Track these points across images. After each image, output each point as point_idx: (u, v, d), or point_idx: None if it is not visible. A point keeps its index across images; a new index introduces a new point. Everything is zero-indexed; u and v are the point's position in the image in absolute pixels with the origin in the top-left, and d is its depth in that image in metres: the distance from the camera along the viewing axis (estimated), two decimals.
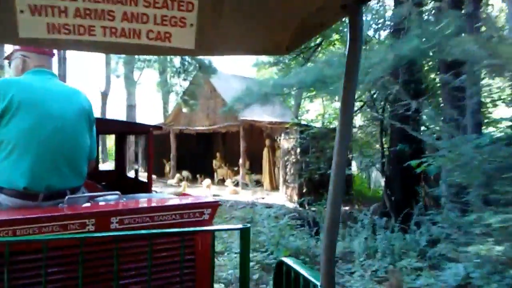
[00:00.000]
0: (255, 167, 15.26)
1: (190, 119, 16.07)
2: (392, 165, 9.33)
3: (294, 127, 12.50)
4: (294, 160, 12.21)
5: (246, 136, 14.36)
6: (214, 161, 17.44)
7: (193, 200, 2.43)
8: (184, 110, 13.47)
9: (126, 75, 21.02)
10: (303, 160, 11.81)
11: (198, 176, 16.73)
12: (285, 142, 12.66)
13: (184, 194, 12.95)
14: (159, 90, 23.28)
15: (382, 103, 9.64)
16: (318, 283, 1.49)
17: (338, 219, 1.40)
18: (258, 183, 15.10)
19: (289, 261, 1.87)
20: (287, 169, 12.45)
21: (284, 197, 12.53)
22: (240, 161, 14.55)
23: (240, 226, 2.07)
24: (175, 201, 2.38)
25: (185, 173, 17.26)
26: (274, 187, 14.13)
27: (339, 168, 1.37)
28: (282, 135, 12.80)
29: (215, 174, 17.32)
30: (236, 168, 16.57)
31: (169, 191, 12.86)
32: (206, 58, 12.79)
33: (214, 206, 2.33)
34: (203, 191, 13.53)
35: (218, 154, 17.46)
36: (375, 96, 9.64)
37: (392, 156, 9.27)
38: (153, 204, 2.45)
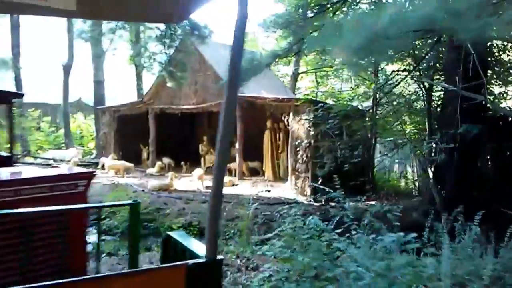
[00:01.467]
0: (251, 153, 13.33)
1: (174, 96, 13.84)
2: (446, 152, 7.58)
3: (305, 104, 10.56)
4: (307, 145, 10.33)
5: (244, 116, 12.33)
6: (200, 146, 15.31)
7: (64, 171, 3.01)
8: (169, 84, 11.31)
9: (93, 45, 18.36)
10: (320, 145, 9.95)
11: (182, 164, 14.61)
12: (295, 123, 10.74)
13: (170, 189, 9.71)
14: (132, 63, 20.72)
15: (432, 72, 7.82)
16: (203, 255, 1.64)
17: (221, 192, 1.67)
18: (256, 172, 13.19)
19: (175, 235, 2.00)
20: (298, 156, 10.56)
21: (293, 190, 10.67)
22: (237, 146, 12.54)
23: (129, 202, 2.35)
24: (43, 172, 2.85)
25: (166, 160, 15.09)
26: (278, 177, 12.24)
27: (224, 142, 1.57)
28: (291, 115, 10.86)
29: (202, 161, 15.23)
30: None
31: (154, 183, 10.74)
32: (199, 20, 10.61)
33: (88, 177, 2.76)
34: (194, 182, 11.48)
35: (205, 138, 15.34)
36: (423, 63, 7.79)
37: (446, 141, 7.51)
38: (16, 177, 2.66)
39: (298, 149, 10.55)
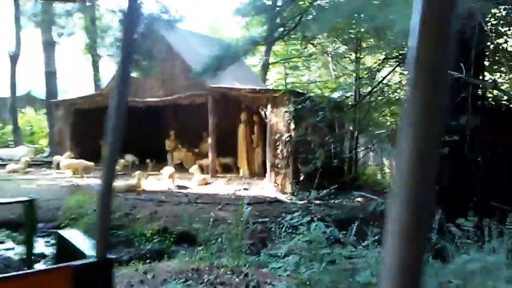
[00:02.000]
0: (223, 148, 12.57)
1: (138, 88, 12.76)
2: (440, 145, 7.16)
3: (284, 96, 9.93)
4: (287, 139, 9.72)
5: (216, 109, 11.53)
6: (167, 142, 14.37)
7: None
8: (134, 74, 10.31)
9: (44, 33, 16.79)
10: (300, 140, 9.37)
11: (148, 161, 13.59)
12: (274, 116, 10.09)
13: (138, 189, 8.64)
14: (87, 52, 19.23)
15: None
16: (94, 253, 1.58)
17: (112, 183, 1.60)
18: (228, 169, 12.44)
19: (66, 233, 1.98)
20: (278, 151, 9.93)
21: (272, 187, 10.05)
22: (209, 141, 11.74)
23: (24, 198, 2.37)
24: None
25: (129, 157, 14.02)
26: (254, 174, 11.56)
27: (116, 131, 1.52)
28: (269, 107, 10.20)
29: (170, 157, 14.29)
30: (197, 150, 13.70)
31: (119, 184, 9.76)
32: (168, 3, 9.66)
33: None
34: (164, 182, 10.58)
35: (172, 133, 14.40)
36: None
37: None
38: None
39: (277, 143, 9.93)
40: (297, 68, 20.65)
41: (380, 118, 10.27)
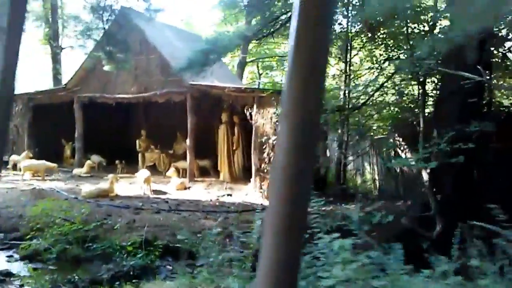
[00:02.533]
0: (200, 150, 11.87)
1: (107, 82, 11.79)
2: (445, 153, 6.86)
3: (272, 96, 9.38)
4: (274, 142, 9.17)
5: (195, 108, 10.82)
6: (138, 141, 13.43)
7: None
8: (107, 68, 9.35)
9: None
10: None
11: (117, 162, 12.63)
12: (260, 118, 9.53)
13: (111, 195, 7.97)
14: (46, 43, 17.78)
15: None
16: None
17: None
18: (206, 172, 11.74)
19: None
20: (264, 155, 9.38)
21: (257, 193, 9.49)
22: (187, 142, 11.00)
23: None
24: None
25: (96, 158, 13.00)
26: (235, 178, 10.93)
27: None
28: (254, 107, 9.62)
29: (141, 159, 13.36)
30: (171, 151, 12.87)
31: (90, 189, 8.85)
32: None
33: None
34: (139, 186, 9.74)
35: (143, 132, 13.48)
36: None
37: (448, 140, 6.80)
38: None
39: (264, 147, 9.37)
40: (271, 68, 20.21)
41: (369, 121, 9.97)
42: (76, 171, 11.68)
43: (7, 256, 6.28)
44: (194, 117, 10.77)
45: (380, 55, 9.78)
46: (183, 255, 6.10)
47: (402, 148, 9.59)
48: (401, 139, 9.63)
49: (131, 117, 14.99)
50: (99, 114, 13.34)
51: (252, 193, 9.58)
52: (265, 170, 9.38)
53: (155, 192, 9.51)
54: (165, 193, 9.59)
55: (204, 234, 5.63)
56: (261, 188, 9.47)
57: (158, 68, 10.95)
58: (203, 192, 9.92)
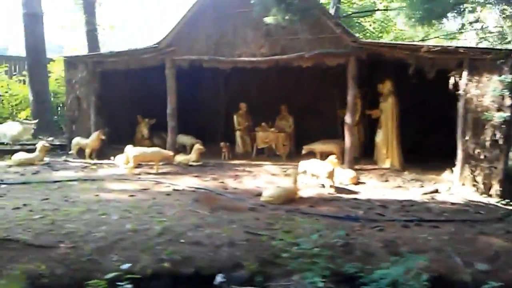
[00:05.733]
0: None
1: (219, 43, 9.08)
2: None
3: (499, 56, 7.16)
4: (502, 121, 7.09)
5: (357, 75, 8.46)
6: (236, 117, 10.99)
7: None
8: (270, 20, 6.68)
9: None
10: None
11: (222, 145, 10.18)
12: (474, 87, 7.37)
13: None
14: None
15: None
16: None
17: None
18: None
19: None
20: (483, 137, 7.29)
21: (467, 186, 7.43)
22: (347, 119, 8.67)
23: None
24: None
25: (185, 139, 10.64)
26: (401, 166, 8.78)
27: None
28: (465, 73, 7.41)
29: (240, 140, 10.99)
30: (273, 129, 10.37)
31: (271, 192, 6.53)
32: None
33: None
34: (310, 180, 7.41)
35: (242, 106, 11.03)
36: None
37: None
38: None
39: (485, 126, 7.25)
40: None
41: None
42: (180, 158, 9.12)
43: None
44: (355, 87, 8.42)
45: None
46: None
47: None
48: None
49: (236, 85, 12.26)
50: (190, 83, 10.72)
51: (457, 187, 7.51)
52: (484, 157, 7.31)
53: (338, 190, 7.23)
54: (349, 191, 7.32)
55: None
56: (474, 180, 7.41)
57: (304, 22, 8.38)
58: (384, 187, 7.73)
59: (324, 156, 8.42)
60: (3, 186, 6.80)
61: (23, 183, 7.02)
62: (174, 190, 6.92)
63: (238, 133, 11.02)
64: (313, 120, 11.41)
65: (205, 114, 12.38)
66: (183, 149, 10.51)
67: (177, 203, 6.11)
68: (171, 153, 8.52)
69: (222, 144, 10.15)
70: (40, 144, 9.02)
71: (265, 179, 8.01)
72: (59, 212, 5.35)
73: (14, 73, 14.93)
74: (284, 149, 10.17)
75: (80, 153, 9.97)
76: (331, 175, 7.04)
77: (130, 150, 8.01)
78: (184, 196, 6.53)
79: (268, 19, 6.92)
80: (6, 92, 14.21)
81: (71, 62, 10.38)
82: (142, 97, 11.57)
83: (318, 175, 7.22)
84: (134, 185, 7.20)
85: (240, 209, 5.97)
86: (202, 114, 12.33)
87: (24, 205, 5.62)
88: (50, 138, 12.47)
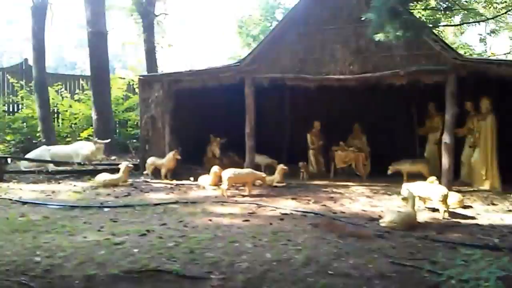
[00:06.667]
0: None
1: (303, 60, 8.91)
2: None
3: None
4: None
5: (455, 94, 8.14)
6: (309, 136, 10.75)
7: None
8: (380, 37, 6.50)
9: None
10: None
11: (301, 165, 9.91)
12: None
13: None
14: (134, 10, 14.40)
15: None
16: None
17: None
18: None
19: None
20: None
21: None
22: (446, 138, 8.32)
23: None
24: None
25: (260, 159, 10.32)
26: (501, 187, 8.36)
27: None
28: None
29: (313, 159, 10.72)
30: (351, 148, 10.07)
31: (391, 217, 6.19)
32: None
33: None
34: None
35: (316, 124, 10.77)
36: None
37: None
38: None
39: None
40: None
41: None
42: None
43: None
44: (454, 106, 8.10)
45: None
46: None
47: None
48: None
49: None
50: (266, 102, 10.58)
51: None
52: None
53: (452, 215, 6.85)
54: (463, 215, 6.94)
55: None
56: None
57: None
58: (494, 210, 7.32)
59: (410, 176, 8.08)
60: (106, 209, 6.63)
61: (126, 206, 6.84)
62: (282, 214, 6.65)
63: (311, 152, 10.75)
64: (384, 139, 11.08)
65: (269, 131, 12.15)
66: (257, 168, 10.27)
67: (298, 229, 5.83)
68: (263, 174, 8.28)
69: (300, 164, 9.89)
70: (123, 165, 8.89)
71: (364, 202, 7.69)
72: (190, 239, 5.12)
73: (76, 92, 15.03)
74: (364, 169, 9.87)
75: (155, 173, 9.84)
76: (445, 198, 6.67)
77: (225, 172, 7.79)
78: (298, 221, 6.25)
79: (379, 36, 6.69)
80: (66, 110, 14.27)
81: (146, 81, 10.33)
82: (208, 115, 11.44)
83: (430, 198, 6.86)
84: (237, 208, 6.96)
85: (365, 236, 5.67)
86: (266, 132, 12.12)
87: (148, 231, 5.41)
88: (113, 157, 12.44)
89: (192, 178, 9.44)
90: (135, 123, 14.80)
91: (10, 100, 14.22)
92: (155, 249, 4.75)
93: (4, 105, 13.79)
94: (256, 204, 7.19)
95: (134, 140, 13.98)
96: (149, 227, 5.64)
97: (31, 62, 13.21)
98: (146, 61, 14.37)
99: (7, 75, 14.76)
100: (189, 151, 10.82)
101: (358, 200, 7.82)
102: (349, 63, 8.62)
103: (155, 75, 10.96)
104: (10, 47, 33.13)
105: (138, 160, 10.71)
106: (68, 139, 13.73)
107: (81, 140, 13.05)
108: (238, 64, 9.34)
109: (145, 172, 9.96)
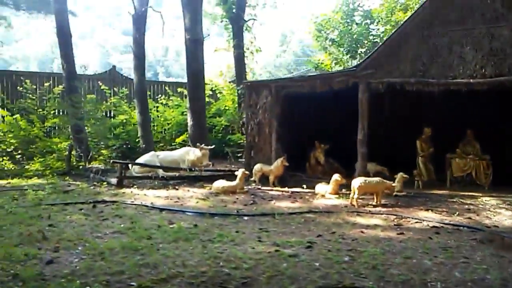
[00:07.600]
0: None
1: (425, 64, 8.51)
2: None
3: None
4: None
5: None
6: (419, 142, 10.23)
7: None
8: None
9: None
10: None
11: (415, 173, 9.46)
12: None
13: None
14: (225, 16, 14.48)
15: None
16: None
17: None
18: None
19: None
20: None
21: None
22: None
23: None
24: None
25: (371, 166, 9.94)
26: None
27: None
28: None
29: (423, 166, 10.14)
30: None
31: None
32: None
33: None
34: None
35: (426, 131, 10.24)
36: None
37: None
38: None
39: None
40: None
41: None
42: None
43: None
44: None
45: None
46: None
47: None
48: None
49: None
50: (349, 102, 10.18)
51: None
52: None
53: None
54: None
55: None
56: None
57: None
58: None
59: None
60: (245, 218, 6.55)
61: (263, 214, 6.74)
62: (432, 227, 6.27)
63: (420, 160, 10.22)
64: (501, 146, 10.37)
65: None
66: (366, 176, 9.91)
67: (465, 244, 5.44)
68: (393, 183, 7.93)
69: (415, 172, 9.45)
70: (240, 171, 8.84)
71: (508, 214, 7.14)
72: (361, 254, 4.88)
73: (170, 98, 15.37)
74: (486, 178, 9.25)
75: (262, 180, 9.74)
76: None
77: (355, 181, 7.52)
78: (457, 236, 5.86)
79: None
80: (158, 116, 14.59)
81: (253, 87, 10.28)
82: (309, 121, 11.23)
83: None
84: (377, 219, 6.67)
85: None
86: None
87: (310, 243, 5.22)
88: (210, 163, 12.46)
89: (304, 186, 9.24)
90: (222, 128, 14.90)
91: (104, 107, 14.72)
92: (335, 263, 4.54)
93: (102, 112, 14.28)
94: (395, 215, 6.86)
95: (224, 145, 14.03)
96: (305, 238, 5.46)
97: (124, 69, 13.58)
98: (235, 66, 14.43)
99: (98, 82, 15.35)
100: (292, 157, 10.66)
101: (500, 212, 7.29)
102: (481, 66, 8.09)
103: (262, 81, 10.89)
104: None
105: (233, 167, 10.70)
106: (161, 145, 13.99)
107: (175, 146, 13.28)
108: (354, 69, 9.05)
109: (251, 179, 9.88)
